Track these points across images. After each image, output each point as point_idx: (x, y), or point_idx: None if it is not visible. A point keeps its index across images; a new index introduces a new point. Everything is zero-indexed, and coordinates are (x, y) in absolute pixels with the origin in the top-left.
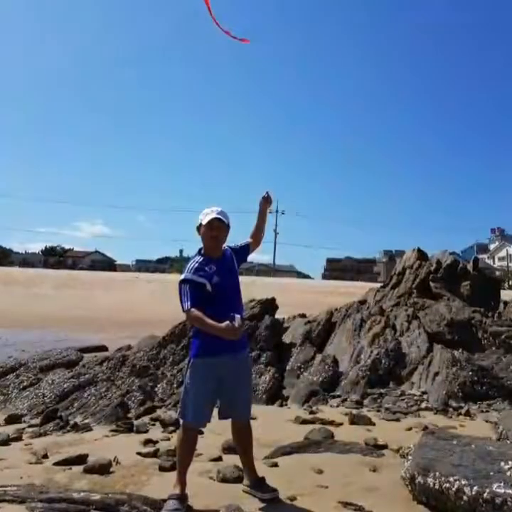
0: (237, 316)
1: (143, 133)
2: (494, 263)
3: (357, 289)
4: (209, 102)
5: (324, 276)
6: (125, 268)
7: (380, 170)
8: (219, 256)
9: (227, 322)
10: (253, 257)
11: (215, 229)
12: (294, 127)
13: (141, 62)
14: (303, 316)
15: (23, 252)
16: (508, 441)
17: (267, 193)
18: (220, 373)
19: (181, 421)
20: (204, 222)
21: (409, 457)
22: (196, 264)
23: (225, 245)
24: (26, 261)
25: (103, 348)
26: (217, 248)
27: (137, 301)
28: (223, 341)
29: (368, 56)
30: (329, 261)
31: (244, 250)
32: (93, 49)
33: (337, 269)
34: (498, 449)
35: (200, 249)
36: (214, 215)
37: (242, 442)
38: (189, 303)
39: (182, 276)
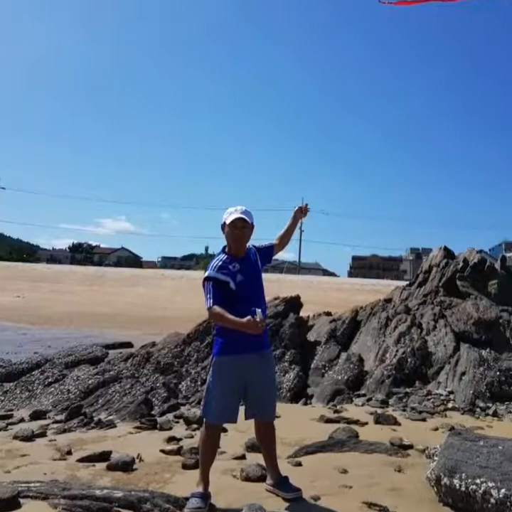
0: (259, 311)
1: (166, 132)
2: None
3: (383, 287)
4: (235, 105)
5: (350, 274)
6: (151, 265)
7: (407, 168)
8: (243, 255)
9: (249, 317)
10: (279, 255)
11: (239, 228)
12: (321, 128)
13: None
14: (328, 314)
15: (50, 248)
16: None
17: (306, 205)
18: (244, 372)
19: (204, 419)
20: (228, 222)
21: (435, 458)
22: (220, 263)
23: (249, 244)
24: (53, 257)
25: (128, 345)
26: (240, 247)
27: (162, 298)
28: (246, 340)
29: (387, 57)
30: (355, 258)
31: (268, 251)
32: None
33: (363, 267)
34: None
35: (224, 248)
36: (238, 215)
37: (265, 441)
38: (212, 300)
39: (206, 274)
